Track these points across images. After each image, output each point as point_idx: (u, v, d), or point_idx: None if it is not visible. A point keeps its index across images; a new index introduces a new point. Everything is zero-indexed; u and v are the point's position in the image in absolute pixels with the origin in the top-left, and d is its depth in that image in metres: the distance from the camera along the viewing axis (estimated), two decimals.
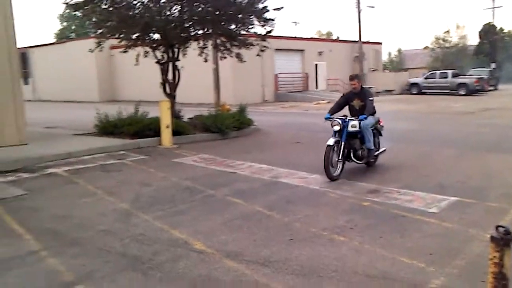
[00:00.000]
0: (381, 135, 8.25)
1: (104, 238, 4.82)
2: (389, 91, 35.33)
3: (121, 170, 8.28)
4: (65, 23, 59.40)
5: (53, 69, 35.24)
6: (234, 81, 26.25)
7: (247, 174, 7.72)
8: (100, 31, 12.62)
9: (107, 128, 11.71)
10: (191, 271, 3.99)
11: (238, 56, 13.34)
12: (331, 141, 7.01)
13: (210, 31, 12.86)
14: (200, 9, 12.09)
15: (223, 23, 12.58)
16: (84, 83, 33.42)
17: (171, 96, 12.76)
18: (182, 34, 12.56)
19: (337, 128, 7.22)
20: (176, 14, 12.21)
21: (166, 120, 10.75)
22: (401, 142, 10.59)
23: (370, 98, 7.58)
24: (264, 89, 29.61)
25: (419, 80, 35.12)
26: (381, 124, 8.15)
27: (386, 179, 7.20)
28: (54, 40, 52.15)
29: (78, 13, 12.98)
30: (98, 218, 5.48)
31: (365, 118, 7.31)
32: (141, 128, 11.16)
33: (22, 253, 4.46)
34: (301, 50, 32.83)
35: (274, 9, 12.74)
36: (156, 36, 12.80)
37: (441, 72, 33.75)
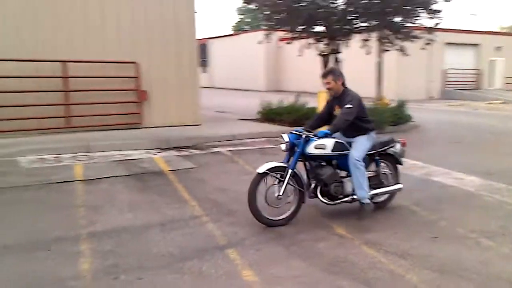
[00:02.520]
0: (399, 163, 5.56)
1: None
2: None
3: (277, 154, 8.83)
4: (241, 16, 63.66)
5: (227, 59, 38.16)
6: (398, 75, 25.37)
7: None
8: (270, 23, 13.47)
9: (269, 115, 12.59)
10: (329, 252, 4.24)
11: (402, 49, 12.99)
12: (262, 168, 4.74)
13: (374, 24, 12.75)
14: (365, 1, 12.09)
15: (388, 15, 12.38)
16: (252, 73, 35.57)
17: None
18: (345, 27, 12.70)
19: (283, 147, 4.99)
20: (341, 7, 12.39)
21: None
22: None
23: (347, 106, 4.87)
24: (430, 85, 28.04)
25: None
26: (403, 146, 5.58)
27: None
28: (231, 32, 56.20)
29: (252, 6, 14.03)
30: None
31: (326, 135, 4.80)
32: (299, 117, 11.72)
33: (187, 216, 5.21)
34: (476, 45, 30.16)
35: (445, 0, 12.10)
36: (320, 28, 13.16)
37: None
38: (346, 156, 4.98)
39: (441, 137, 11.85)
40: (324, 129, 4.92)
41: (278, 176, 4.84)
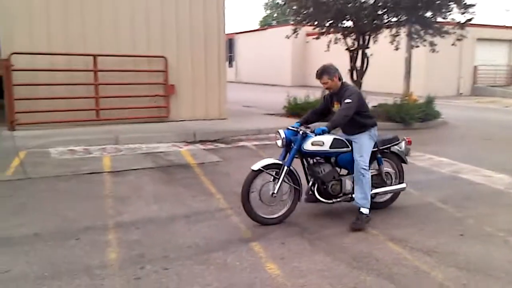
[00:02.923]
0: (404, 162, 5.34)
1: None
2: None
3: None
4: (268, 11, 63.54)
5: (253, 53, 38.14)
6: (427, 71, 24.93)
7: (425, 166, 7.53)
8: (298, 18, 13.41)
9: (294, 110, 12.58)
10: (354, 247, 4.23)
11: (432, 44, 12.75)
12: (257, 165, 4.60)
13: (404, 18, 12.55)
14: None
15: (418, 10, 12.15)
16: (279, 68, 35.47)
17: (358, 83, 12.90)
18: (374, 22, 12.53)
19: (279, 143, 4.82)
20: (370, 1, 12.23)
21: None
22: None
23: (347, 101, 4.63)
24: (460, 81, 27.45)
25: None
26: (409, 145, 5.41)
27: None
28: (257, 27, 56.14)
29: (280, 1, 13.97)
30: None
31: (323, 132, 4.51)
32: None
33: (212, 209, 5.27)
34: (509, 41, 29.34)
35: None
36: (349, 23, 13.03)
37: None
38: (345, 154, 4.84)
39: (470, 134, 11.61)
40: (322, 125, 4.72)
41: (273, 173, 4.69)
